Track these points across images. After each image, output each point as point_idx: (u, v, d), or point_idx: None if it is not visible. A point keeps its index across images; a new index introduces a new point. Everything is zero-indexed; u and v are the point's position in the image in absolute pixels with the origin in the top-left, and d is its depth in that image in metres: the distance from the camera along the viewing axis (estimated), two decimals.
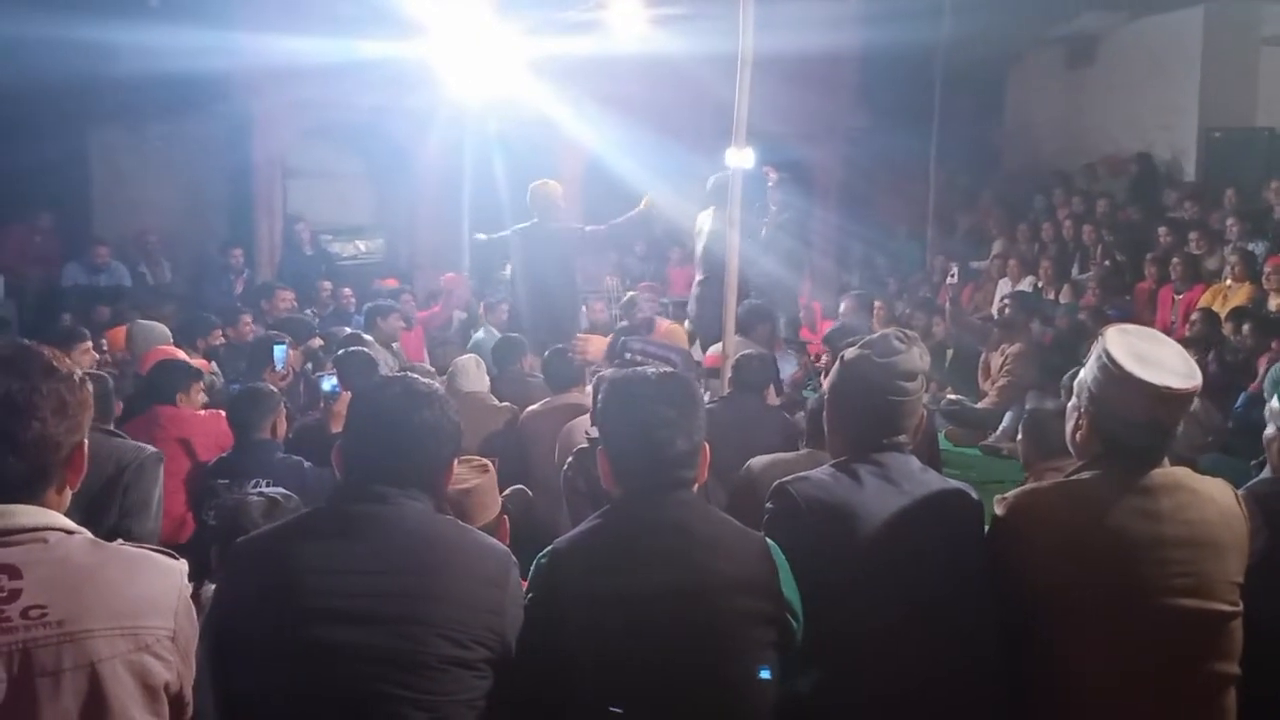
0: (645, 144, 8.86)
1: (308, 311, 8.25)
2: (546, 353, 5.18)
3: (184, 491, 4.24)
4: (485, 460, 2.75)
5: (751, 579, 1.94)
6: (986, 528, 2.21)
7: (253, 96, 10.15)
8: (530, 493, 3.94)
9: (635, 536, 1.96)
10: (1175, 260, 8.60)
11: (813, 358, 7.49)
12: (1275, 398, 2.58)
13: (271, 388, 4.58)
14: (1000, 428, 7.17)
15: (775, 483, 2.18)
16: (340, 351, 5.37)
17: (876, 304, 8.52)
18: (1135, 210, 10.21)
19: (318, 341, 6.46)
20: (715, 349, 5.47)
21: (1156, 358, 2.06)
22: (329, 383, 4.57)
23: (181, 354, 5.47)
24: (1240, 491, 2.23)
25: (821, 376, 5.88)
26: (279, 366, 5.55)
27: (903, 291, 10.47)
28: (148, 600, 1.57)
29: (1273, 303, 7.64)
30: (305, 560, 1.83)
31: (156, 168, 10.76)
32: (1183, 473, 2.13)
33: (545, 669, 1.88)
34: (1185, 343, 5.00)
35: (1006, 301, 8.27)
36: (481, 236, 8.09)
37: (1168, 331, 6.64)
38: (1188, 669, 2.05)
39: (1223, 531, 2.08)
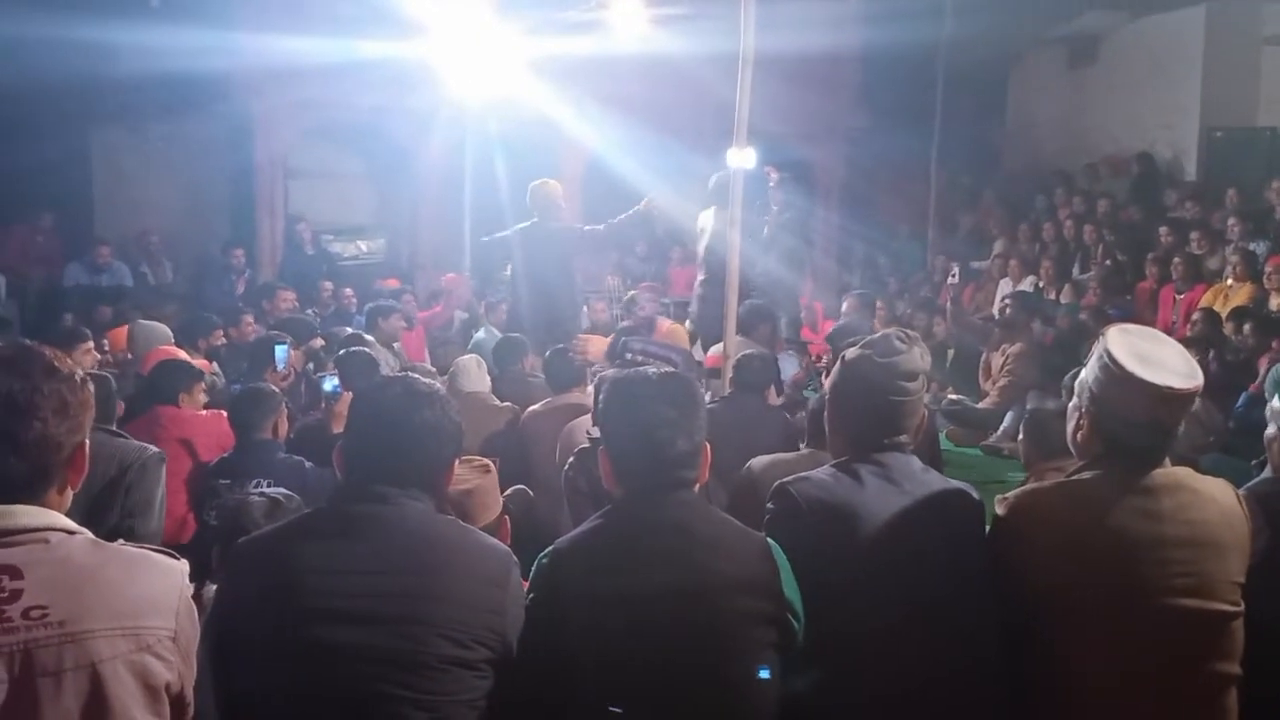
0: (646, 144, 8.87)
1: (309, 312, 8.24)
2: (547, 353, 5.18)
3: (185, 492, 4.24)
4: (486, 460, 2.75)
5: (752, 579, 1.94)
6: (987, 528, 2.21)
7: (254, 96, 10.16)
8: (531, 493, 3.96)
9: (636, 536, 1.96)
10: (1176, 260, 8.58)
11: (814, 358, 7.48)
12: (1276, 397, 2.58)
13: (273, 388, 4.59)
14: (1001, 428, 7.15)
15: (776, 483, 2.18)
16: (341, 352, 5.37)
17: (878, 304, 8.50)
18: (1136, 210, 10.18)
19: (319, 342, 6.46)
20: (716, 349, 5.47)
21: (1158, 358, 2.06)
22: (330, 383, 4.58)
23: (183, 354, 5.47)
24: (1241, 491, 2.22)
25: (823, 376, 5.88)
26: (280, 367, 5.56)
27: (904, 291, 10.45)
28: (149, 600, 1.57)
29: (1274, 302, 7.62)
30: (306, 560, 1.83)
31: (158, 168, 10.78)
32: (1184, 473, 2.13)
33: (546, 669, 1.88)
34: (1186, 343, 4.99)
35: (1007, 301, 8.24)
36: (485, 239, 8.09)
37: (1169, 331, 6.62)
38: (1189, 669, 2.05)
39: (1224, 531, 2.08)
